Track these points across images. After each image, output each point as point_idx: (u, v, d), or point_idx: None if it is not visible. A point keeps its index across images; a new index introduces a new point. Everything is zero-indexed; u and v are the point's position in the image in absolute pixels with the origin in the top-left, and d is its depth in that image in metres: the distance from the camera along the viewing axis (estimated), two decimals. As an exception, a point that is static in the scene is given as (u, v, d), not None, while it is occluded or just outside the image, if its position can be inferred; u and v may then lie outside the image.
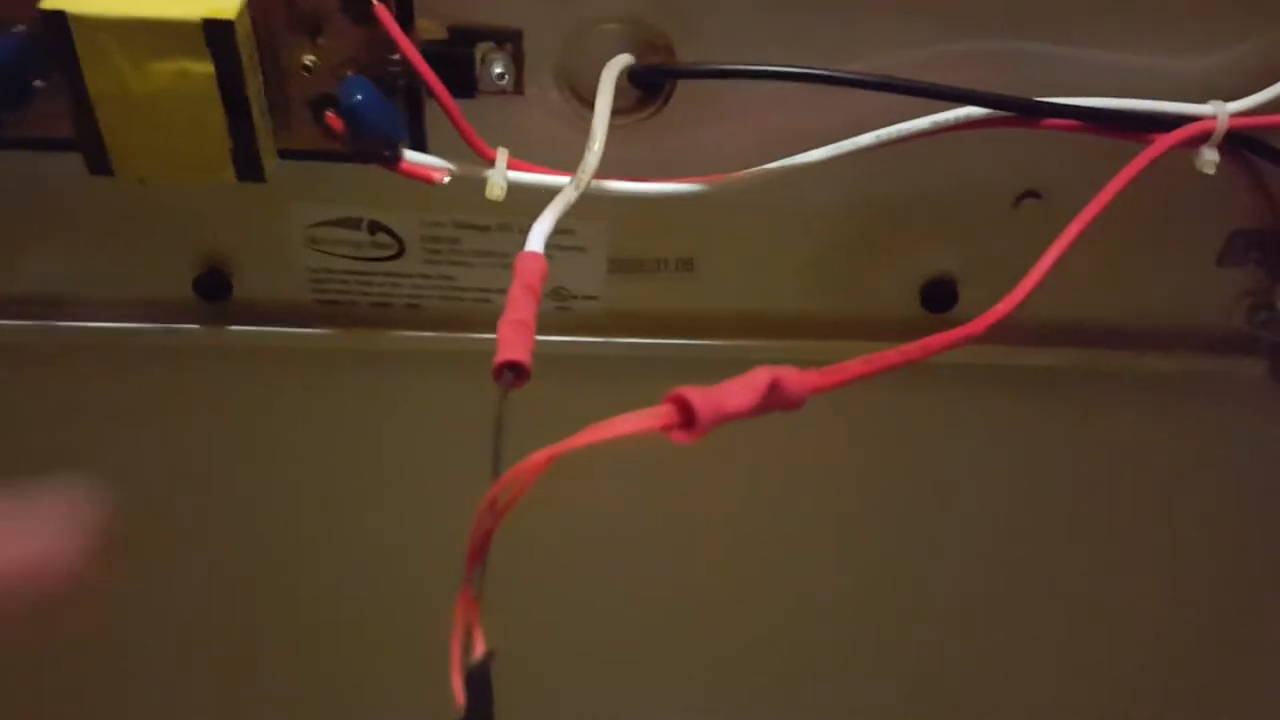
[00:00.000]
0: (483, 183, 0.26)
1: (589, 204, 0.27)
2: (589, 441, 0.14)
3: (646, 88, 0.26)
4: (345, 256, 0.30)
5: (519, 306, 0.19)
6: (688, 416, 0.14)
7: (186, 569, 0.37)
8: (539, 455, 0.14)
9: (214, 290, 0.31)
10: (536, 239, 0.22)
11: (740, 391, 0.15)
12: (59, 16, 0.23)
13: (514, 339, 0.18)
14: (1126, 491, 0.37)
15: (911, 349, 0.19)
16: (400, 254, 0.30)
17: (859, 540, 0.39)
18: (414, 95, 0.26)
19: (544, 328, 0.32)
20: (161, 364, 0.32)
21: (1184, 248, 0.31)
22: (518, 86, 0.27)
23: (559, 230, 0.30)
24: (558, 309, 0.32)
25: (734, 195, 0.27)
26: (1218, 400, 0.34)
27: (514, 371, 0.18)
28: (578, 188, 0.23)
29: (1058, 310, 0.32)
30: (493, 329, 0.32)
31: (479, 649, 0.15)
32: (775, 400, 0.16)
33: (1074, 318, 0.32)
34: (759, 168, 0.26)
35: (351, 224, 0.30)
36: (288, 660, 0.41)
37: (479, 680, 0.15)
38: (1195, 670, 0.43)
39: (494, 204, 0.26)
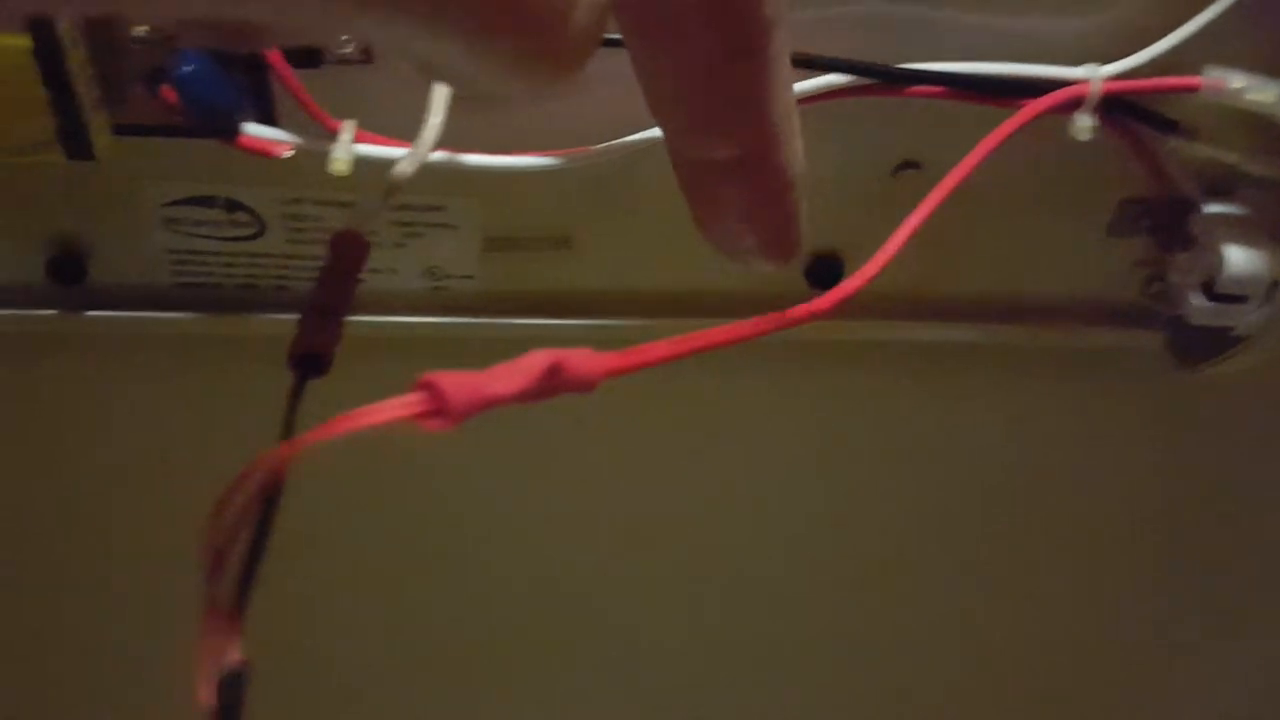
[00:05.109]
0: (342, 157, 0.25)
1: (461, 180, 0.26)
2: (335, 433, 0.13)
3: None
4: (204, 237, 0.29)
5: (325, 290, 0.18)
6: (441, 403, 0.13)
7: (34, 562, 0.36)
8: (281, 450, 0.13)
9: (68, 274, 0.29)
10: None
11: (508, 376, 0.14)
12: None
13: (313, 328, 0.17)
14: (1015, 472, 0.36)
15: (742, 327, 0.18)
16: (261, 233, 0.29)
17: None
18: (258, 65, 0.25)
19: (418, 308, 0.31)
20: (13, 351, 0.31)
21: (1075, 217, 0.30)
22: (366, 55, 0.25)
23: (429, 208, 0.30)
24: (433, 289, 0.31)
25: (602, 171, 0.26)
26: (1116, 375, 0.33)
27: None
28: (412, 164, 0.22)
29: (949, 285, 0.31)
30: (366, 310, 0.31)
31: (233, 658, 0.14)
32: (558, 384, 0.15)
33: (964, 291, 0.32)
34: (616, 141, 0.25)
35: (207, 202, 0.29)
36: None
37: (232, 689, 0.14)
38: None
39: (360, 179, 0.25)
